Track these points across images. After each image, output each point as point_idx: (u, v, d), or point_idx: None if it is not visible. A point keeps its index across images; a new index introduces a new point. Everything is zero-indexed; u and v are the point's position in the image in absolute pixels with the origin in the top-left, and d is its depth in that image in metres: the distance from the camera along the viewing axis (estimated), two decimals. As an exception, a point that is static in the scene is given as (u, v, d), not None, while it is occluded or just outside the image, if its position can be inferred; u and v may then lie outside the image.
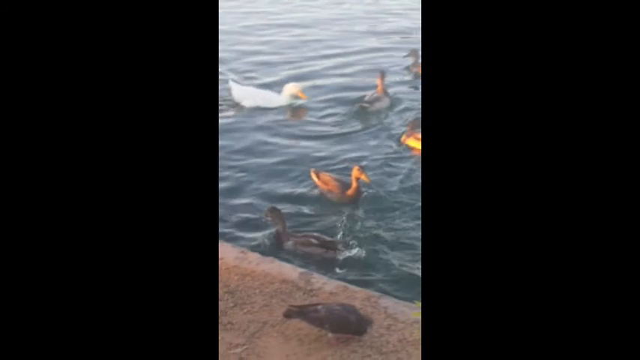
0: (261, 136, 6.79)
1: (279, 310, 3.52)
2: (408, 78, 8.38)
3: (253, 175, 5.93)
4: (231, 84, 7.59)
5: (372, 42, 10.10)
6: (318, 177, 5.54)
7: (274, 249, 4.62)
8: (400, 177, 5.84)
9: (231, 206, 5.33)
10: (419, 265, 4.37)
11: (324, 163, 6.17)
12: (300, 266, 4.22)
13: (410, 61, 8.62)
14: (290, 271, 3.99)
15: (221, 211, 5.12)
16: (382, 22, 11.26)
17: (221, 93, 7.70)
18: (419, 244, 4.69)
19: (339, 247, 4.60)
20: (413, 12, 11.42)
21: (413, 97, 7.60)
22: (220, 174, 5.76)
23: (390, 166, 6.11)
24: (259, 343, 3.34)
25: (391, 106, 7.38)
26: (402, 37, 10.07)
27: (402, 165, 6.10)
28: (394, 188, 5.66)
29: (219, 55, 8.73)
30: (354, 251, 4.60)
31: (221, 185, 5.58)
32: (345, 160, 6.21)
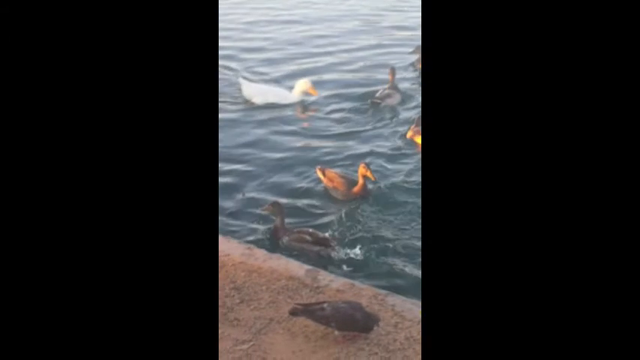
0: (268, 132, 6.79)
1: (285, 307, 3.52)
2: (413, 74, 8.36)
3: (260, 170, 5.93)
4: (242, 81, 7.57)
5: (377, 38, 10.09)
6: (323, 174, 5.53)
7: (272, 244, 4.63)
8: (404, 173, 5.83)
9: (237, 200, 5.35)
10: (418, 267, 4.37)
11: (329, 158, 6.17)
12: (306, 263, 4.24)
13: (415, 57, 8.61)
14: (297, 268, 3.99)
15: (227, 204, 5.16)
16: (387, 19, 11.24)
17: (228, 90, 7.69)
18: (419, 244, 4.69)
19: (333, 244, 4.59)
20: (417, 8, 11.40)
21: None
22: (227, 167, 5.78)
23: (395, 162, 6.10)
24: (265, 339, 3.34)
25: (402, 102, 7.39)
26: (407, 34, 10.05)
27: (407, 161, 6.09)
28: (398, 182, 5.66)
29: (225, 51, 8.75)
30: (350, 250, 4.59)
31: (226, 179, 5.60)
32: (350, 157, 6.20)
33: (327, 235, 4.72)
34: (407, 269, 4.38)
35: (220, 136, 6.41)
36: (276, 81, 8.12)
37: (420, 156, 6.08)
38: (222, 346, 3.27)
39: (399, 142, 6.48)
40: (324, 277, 3.90)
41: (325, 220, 5.11)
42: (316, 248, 4.57)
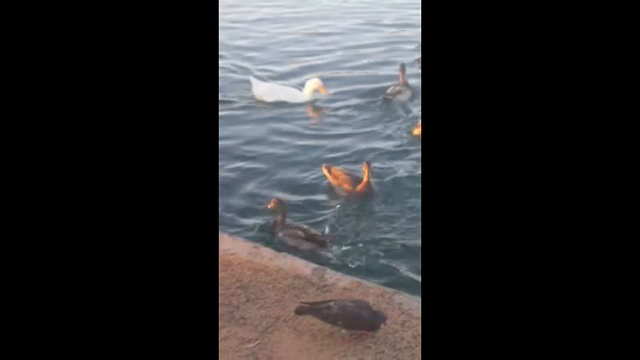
0: (276, 129, 6.79)
1: (292, 306, 3.50)
2: (419, 71, 8.34)
3: (266, 166, 5.93)
4: (252, 80, 7.55)
5: (383, 34, 10.10)
6: (329, 172, 5.51)
7: (270, 239, 4.64)
8: (408, 170, 5.80)
9: (242, 194, 5.34)
10: (415, 268, 4.34)
11: (337, 155, 6.16)
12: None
13: (419, 54, 8.61)
14: (303, 266, 3.97)
15: (231, 200, 5.17)
16: (389, 15, 11.23)
17: (235, 87, 7.70)
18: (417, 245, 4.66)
19: (327, 241, 4.59)
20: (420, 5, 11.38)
21: None
22: (233, 164, 5.77)
23: (403, 159, 6.07)
24: (272, 338, 3.32)
25: (412, 98, 7.37)
26: (411, 31, 10.04)
27: (412, 156, 6.06)
28: (402, 179, 5.64)
29: (230, 50, 8.77)
30: (343, 249, 4.58)
31: (232, 175, 5.60)
32: (356, 153, 6.19)
33: (320, 232, 4.73)
34: (402, 270, 4.34)
35: (227, 132, 6.43)
36: (282, 78, 8.12)
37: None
38: (229, 344, 3.26)
39: (407, 139, 6.46)
40: (331, 275, 3.88)
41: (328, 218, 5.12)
42: (308, 245, 4.57)
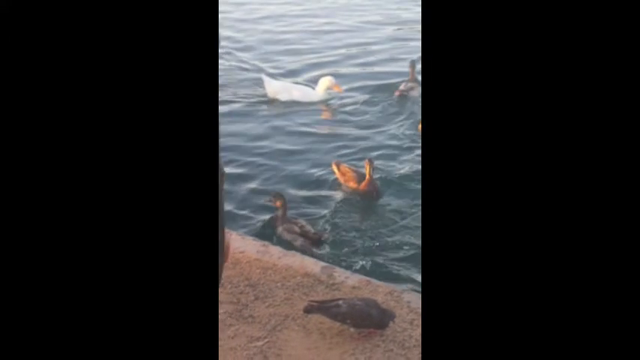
0: (286, 125, 6.80)
1: (300, 304, 3.50)
2: None
3: (275, 163, 5.96)
4: (265, 78, 7.51)
5: (389, 31, 10.10)
6: (338, 168, 5.50)
7: (270, 234, 4.66)
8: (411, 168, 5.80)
9: (249, 191, 5.37)
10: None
11: (347, 152, 6.16)
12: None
13: None
14: (312, 264, 3.97)
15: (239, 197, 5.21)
16: (399, 12, 11.23)
17: (245, 84, 7.70)
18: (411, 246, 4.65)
19: (322, 238, 4.60)
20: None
21: None
22: (241, 161, 5.80)
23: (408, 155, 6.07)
24: (280, 336, 3.32)
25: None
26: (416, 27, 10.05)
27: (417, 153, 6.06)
28: (406, 176, 5.65)
29: (236, 44, 8.78)
30: (345, 250, 4.60)
31: (239, 171, 5.64)
32: (362, 150, 6.19)
33: (315, 229, 4.76)
34: (400, 270, 4.33)
35: (236, 129, 6.44)
36: (289, 75, 8.13)
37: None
38: (237, 342, 3.26)
39: (413, 135, 6.46)
40: (340, 274, 3.88)
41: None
42: (301, 241, 4.59)
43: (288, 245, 4.53)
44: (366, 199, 5.29)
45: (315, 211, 5.22)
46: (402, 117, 6.94)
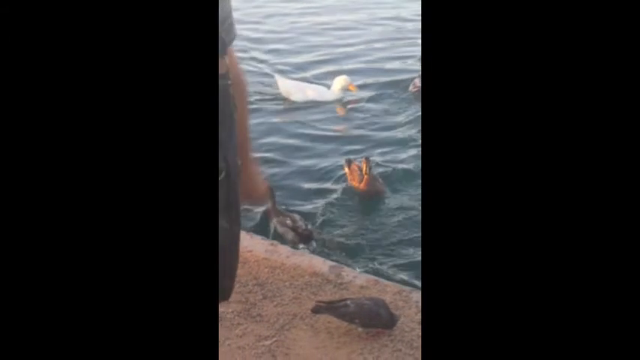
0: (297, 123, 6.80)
1: (308, 303, 3.50)
2: None
3: (285, 158, 5.96)
4: (277, 77, 7.47)
5: (394, 29, 10.09)
6: (349, 166, 5.48)
7: (264, 227, 4.67)
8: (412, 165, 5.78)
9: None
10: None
11: (350, 149, 6.16)
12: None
13: None
14: (320, 264, 3.97)
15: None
16: (405, 9, 11.22)
17: (256, 82, 7.69)
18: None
19: (311, 235, 4.62)
20: None
21: None
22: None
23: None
24: (289, 335, 3.32)
25: None
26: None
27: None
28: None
29: (245, 42, 8.78)
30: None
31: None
32: (368, 148, 6.18)
33: (306, 225, 4.78)
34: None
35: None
36: (295, 72, 8.12)
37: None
38: (245, 341, 3.26)
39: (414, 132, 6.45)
40: (348, 273, 3.88)
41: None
42: (292, 235, 4.61)
43: (280, 238, 4.60)
44: (366, 200, 5.25)
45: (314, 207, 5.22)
46: (410, 112, 6.93)
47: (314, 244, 4.66)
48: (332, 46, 9.26)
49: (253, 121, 6.74)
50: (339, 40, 9.46)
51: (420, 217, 4.98)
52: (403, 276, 4.32)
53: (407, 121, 6.70)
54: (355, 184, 5.32)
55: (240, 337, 3.29)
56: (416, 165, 5.67)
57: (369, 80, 7.77)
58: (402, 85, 7.46)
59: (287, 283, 3.73)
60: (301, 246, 4.59)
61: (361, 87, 7.52)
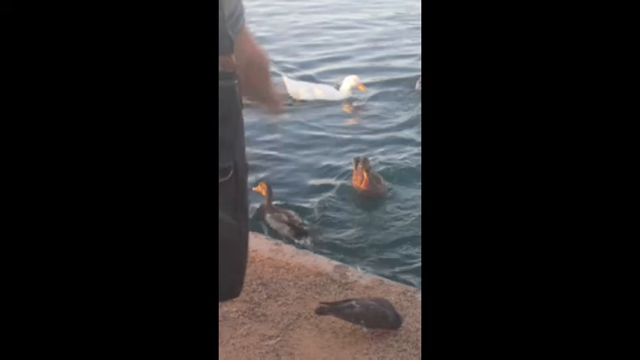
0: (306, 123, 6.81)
1: (313, 303, 3.49)
2: None
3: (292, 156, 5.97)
4: (285, 79, 7.48)
5: (399, 26, 10.10)
6: (356, 165, 5.47)
7: (257, 223, 4.69)
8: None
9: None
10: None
11: (354, 148, 6.16)
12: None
13: None
14: (325, 264, 3.96)
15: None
16: (410, 7, 11.21)
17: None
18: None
19: (307, 230, 4.62)
20: None
21: None
22: (252, 160, 5.83)
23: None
24: (293, 335, 3.31)
25: None
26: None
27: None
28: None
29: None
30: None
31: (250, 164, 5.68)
32: (372, 146, 6.18)
33: (302, 220, 4.80)
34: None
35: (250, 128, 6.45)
36: (304, 67, 8.12)
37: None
38: (250, 341, 3.26)
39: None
40: (353, 273, 3.87)
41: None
42: (288, 231, 4.62)
43: (275, 234, 4.60)
44: (364, 201, 5.23)
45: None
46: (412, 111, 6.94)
47: (309, 239, 4.66)
48: (335, 44, 9.27)
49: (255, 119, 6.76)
50: (342, 39, 9.48)
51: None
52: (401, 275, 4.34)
53: (410, 118, 6.71)
54: (357, 183, 5.31)
55: (245, 336, 3.29)
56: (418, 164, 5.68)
57: (375, 78, 7.78)
58: (406, 83, 7.47)
59: (291, 283, 3.73)
60: (297, 241, 4.59)
61: (367, 85, 7.52)
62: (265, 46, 8.85)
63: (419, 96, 7.12)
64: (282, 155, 6.03)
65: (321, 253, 4.30)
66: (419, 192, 5.17)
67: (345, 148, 6.14)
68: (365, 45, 9.16)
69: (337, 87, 7.31)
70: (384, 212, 5.07)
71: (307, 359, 3.16)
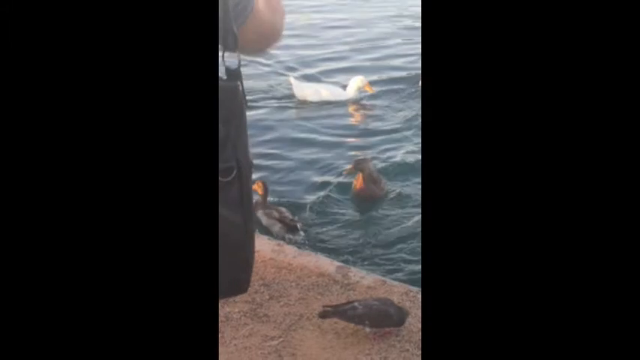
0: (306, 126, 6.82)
1: (315, 304, 3.49)
2: None
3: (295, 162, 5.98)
4: (292, 81, 7.46)
5: (401, 25, 10.10)
6: (355, 166, 5.46)
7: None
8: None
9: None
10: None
11: (355, 146, 6.17)
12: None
13: None
14: (327, 264, 3.96)
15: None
16: (412, 7, 11.22)
17: (263, 84, 7.70)
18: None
19: (299, 226, 4.63)
20: None
21: None
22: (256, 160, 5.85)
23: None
24: (295, 335, 3.31)
25: None
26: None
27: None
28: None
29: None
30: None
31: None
32: (373, 145, 6.18)
33: (295, 217, 4.81)
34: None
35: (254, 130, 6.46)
36: (305, 66, 8.13)
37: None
38: (252, 342, 3.26)
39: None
40: (355, 273, 3.87)
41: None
42: (279, 227, 4.63)
43: (267, 231, 4.63)
44: (359, 201, 5.22)
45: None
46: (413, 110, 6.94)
47: (301, 234, 4.67)
48: (338, 43, 9.28)
49: (259, 116, 6.77)
50: (347, 38, 9.49)
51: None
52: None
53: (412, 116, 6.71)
54: (356, 183, 5.32)
55: (247, 337, 3.29)
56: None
57: (382, 76, 7.80)
58: (410, 81, 7.49)
59: (293, 284, 3.73)
60: (288, 237, 4.61)
61: (372, 83, 7.53)
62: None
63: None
64: (283, 154, 6.04)
65: (313, 249, 4.33)
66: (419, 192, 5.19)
67: (345, 148, 6.15)
68: (365, 45, 9.18)
69: (344, 87, 7.30)
70: (379, 212, 5.09)
71: (309, 360, 3.17)
